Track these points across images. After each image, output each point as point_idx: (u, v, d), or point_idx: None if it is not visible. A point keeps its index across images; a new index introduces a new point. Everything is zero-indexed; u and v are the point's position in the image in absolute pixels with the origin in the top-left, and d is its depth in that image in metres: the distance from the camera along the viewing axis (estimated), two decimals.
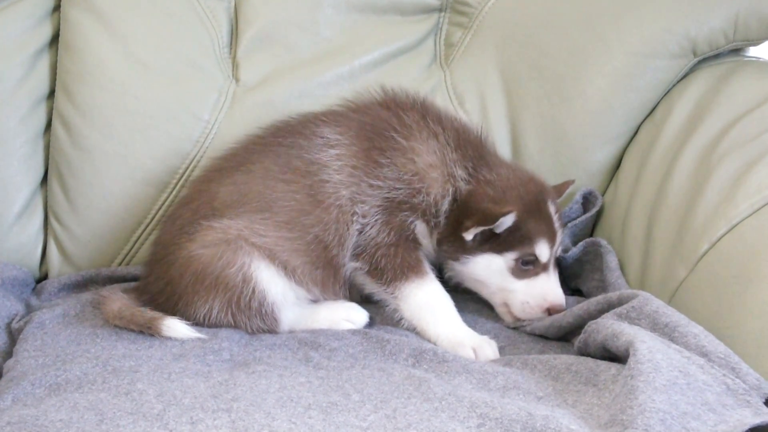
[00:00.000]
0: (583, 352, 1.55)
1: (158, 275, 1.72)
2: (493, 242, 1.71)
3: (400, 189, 1.72)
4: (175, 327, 1.63)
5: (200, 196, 1.76)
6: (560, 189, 1.88)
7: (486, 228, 1.68)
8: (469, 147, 1.77)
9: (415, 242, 1.75)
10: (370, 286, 1.76)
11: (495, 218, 1.66)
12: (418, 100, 1.83)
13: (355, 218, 1.72)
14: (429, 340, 1.67)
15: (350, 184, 1.72)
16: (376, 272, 1.73)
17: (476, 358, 1.61)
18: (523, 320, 1.74)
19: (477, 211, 1.69)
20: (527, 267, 1.73)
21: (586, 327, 1.55)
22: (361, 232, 1.72)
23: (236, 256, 1.65)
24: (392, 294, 1.72)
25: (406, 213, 1.72)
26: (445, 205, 1.74)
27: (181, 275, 1.67)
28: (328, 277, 1.74)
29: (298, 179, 1.72)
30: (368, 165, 1.73)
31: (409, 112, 1.79)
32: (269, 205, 1.70)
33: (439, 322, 1.68)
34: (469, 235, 1.69)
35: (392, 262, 1.71)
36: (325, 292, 1.75)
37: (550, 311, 1.72)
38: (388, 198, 1.72)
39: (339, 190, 1.71)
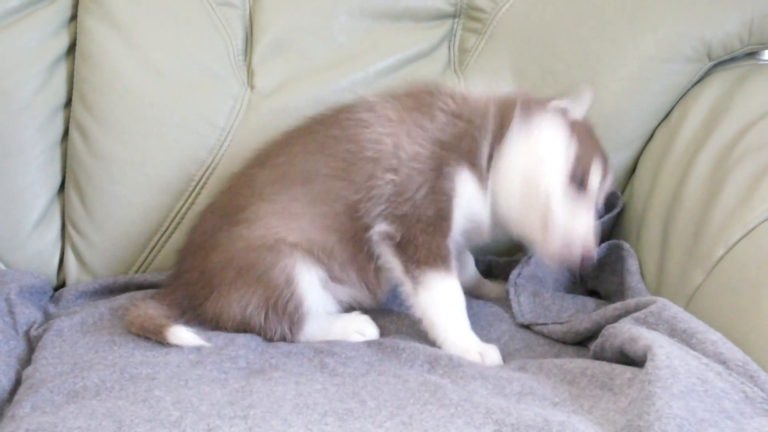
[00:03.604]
0: (599, 357, 1.54)
1: (194, 264, 1.72)
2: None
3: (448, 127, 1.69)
4: (179, 334, 1.62)
5: (240, 182, 1.77)
6: None
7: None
8: None
9: (449, 227, 1.67)
10: (395, 263, 1.68)
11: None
12: None
13: (393, 164, 1.67)
14: (434, 339, 1.65)
15: (392, 133, 1.68)
16: (408, 246, 1.65)
17: (483, 362, 1.59)
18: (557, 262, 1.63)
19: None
20: (577, 188, 1.64)
21: (603, 331, 1.55)
22: (399, 193, 1.65)
23: (278, 258, 1.65)
24: (416, 277, 1.65)
25: (454, 158, 1.66)
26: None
27: (224, 266, 1.67)
28: (359, 254, 1.70)
29: (336, 145, 1.70)
30: (415, 111, 1.71)
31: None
32: (308, 178, 1.69)
33: (449, 324, 1.65)
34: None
35: (428, 242, 1.63)
36: (361, 273, 1.72)
37: (582, 257, 1.60)
38: (437, 140, 1.68)
39: (382, 138, 1.68)
